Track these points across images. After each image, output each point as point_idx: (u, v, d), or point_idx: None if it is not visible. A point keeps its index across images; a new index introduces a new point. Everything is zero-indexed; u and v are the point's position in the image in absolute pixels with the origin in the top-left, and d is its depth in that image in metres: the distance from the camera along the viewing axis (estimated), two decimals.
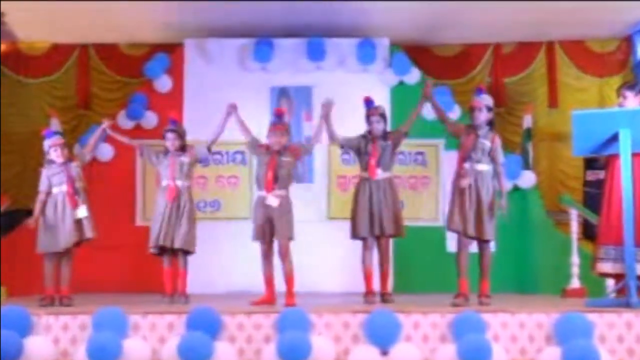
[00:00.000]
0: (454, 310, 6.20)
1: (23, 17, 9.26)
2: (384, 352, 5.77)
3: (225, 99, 7.75)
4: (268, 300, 7.09)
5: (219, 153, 9.43)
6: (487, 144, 6.92)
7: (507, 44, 10.57)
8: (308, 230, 8.13)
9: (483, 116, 6.98)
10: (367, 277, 7.34)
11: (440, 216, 9.34)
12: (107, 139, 8.66)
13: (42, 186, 7.17)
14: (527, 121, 9.95)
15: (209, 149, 7.57)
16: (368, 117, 7.42)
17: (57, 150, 7.20)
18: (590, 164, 9.74)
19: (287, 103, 9.49)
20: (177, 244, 7.34)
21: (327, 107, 7.40)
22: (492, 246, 7.05)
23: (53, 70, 10.41)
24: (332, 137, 7.49)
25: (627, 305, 6.15)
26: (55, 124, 9.42)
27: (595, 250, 6.82)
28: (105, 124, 7.61)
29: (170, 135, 7.51)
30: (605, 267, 6.68)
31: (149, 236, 7.47)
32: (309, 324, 5.91)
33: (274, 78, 9.67)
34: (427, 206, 9.59)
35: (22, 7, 8.81)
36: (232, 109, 7.46)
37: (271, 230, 7.09)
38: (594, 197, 8.48)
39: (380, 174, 7.30)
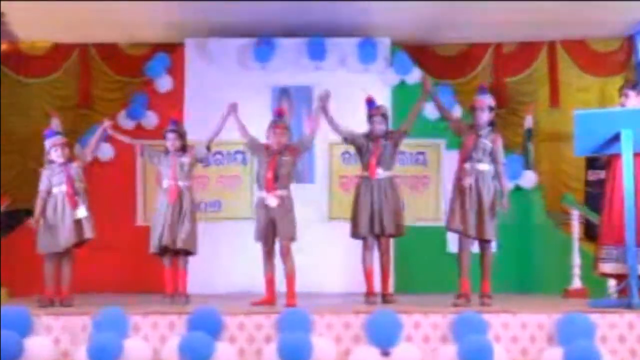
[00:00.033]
0: (455, 310, 6.20)
1: (23, 16, 9.25)
2: (385, 353, 5.75)
3: (225, 99, 7.74)
4: (269, 300, 7.08)
5: (219, 153, 9.43)
6: (489, 144, 6.91)
7: (508, 44, 10.54)
8: (309, 231, 8.12)
9: (485, 116, 6.98)
10: (368, 277, 7.33)
11: (441, 216, 9.30)
12: (107, 138, 8.65)
13: (42, 186, 7.16)
14: (529, 121, 9.95)
15: (208, 148, 7.57)
16: (370, 117, 7.41)
17: (58, 150, 7.19)
18: (591, 163, 9.72)
19: (287, 103, 9.48)
20: (180, 245, 7.33)
21: (324, 99, 7.38)
22: (493, 246, 7.05)
23: (53, 70, 10.39)
24: (337, 130, 7.45)
25: (629, 305, 6.14)
26: (55, 124, 9.40)
27: (597, 250, 6.81)
28: (106, 123, 7.61)
29: (171, 135, 7.51)
30: (607, 267, 6.68)
31: (149, 236, 7.47)
32: (309, 324, 5.91)
33: (275, 78, 9.66)
34: (428, 206, 9.58)
35: (22, 6, 8.80)
36: (232, 108, 7.46)
37: (273, 231, 7.09)
38: (596, 197, 8.47)
39: (381, 173, 7.29)
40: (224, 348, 5.81)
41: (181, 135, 7.55)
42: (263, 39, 9.60)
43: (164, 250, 7.43)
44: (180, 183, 7.42)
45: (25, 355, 5.79)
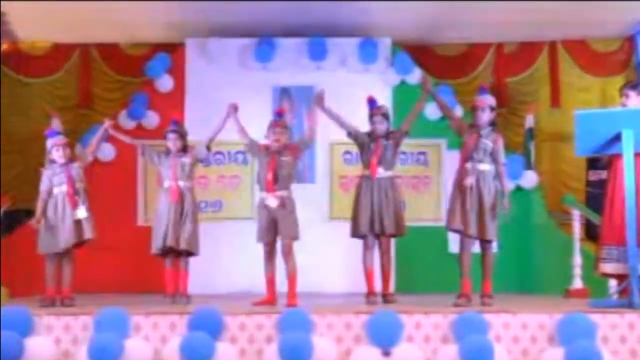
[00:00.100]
0: (456, 310, 6.19)
1: (24, 16, 9.26)
2: (386, 353, 5.74)
3: (226, 99, 7.75)
4: (269, 300, 7.08)
5: (220, 153, 9.44)
6: (489, 144, 6.90)
7: (509, 44, 10.55)
8: (310, 231, 8.10)
9: (486, 116, 6.97)
10: (369, 277, 7.32)
11: (442, 216, 9.23)
12: (108, 138, 8.64)
13: (43, 186, 7.15)
14: (529, 121, 9.96)
15: (208, 148, 7.56)
16: (371, 117, 7.40)
17: (59, 150, 7.19)
18: (592, 164, 9.71)
19: (288, 103, 9.49)
20: (182, 245, 7.33)
21: (319, 98, 7.36)
22: (494, 246, 7.04)
23: (54, 70, 10.40)
24: (341, 124, 7.44)
25: (630, 305, 6.13)
26: (56, 124, 9.40)
27: (598, 250, 6.80)
28: (107, 123, 7.60)
29: (171, 135, 7.51)
30: (608, 267, 6.67)
31: (150, 236, 7.46)
32: (310, 324, 5.90)
33: (276, 78, 9.66)
34: (429, 206, 9.58)
35: (22, 6, 8.81)
36: (232, 109, 7.46)
37: (275, 231, 7.08)
38: (597, 197, 8.46)
39: (381, 172, 7.28)
40: (224, 348, 5.80)
41: (182, 135, 7.55)
42: (264, 39, 9.61)
43: (167, 251, 7.42)
44: (181, 183, 7.42)
45: (26, 355, 5.78)
